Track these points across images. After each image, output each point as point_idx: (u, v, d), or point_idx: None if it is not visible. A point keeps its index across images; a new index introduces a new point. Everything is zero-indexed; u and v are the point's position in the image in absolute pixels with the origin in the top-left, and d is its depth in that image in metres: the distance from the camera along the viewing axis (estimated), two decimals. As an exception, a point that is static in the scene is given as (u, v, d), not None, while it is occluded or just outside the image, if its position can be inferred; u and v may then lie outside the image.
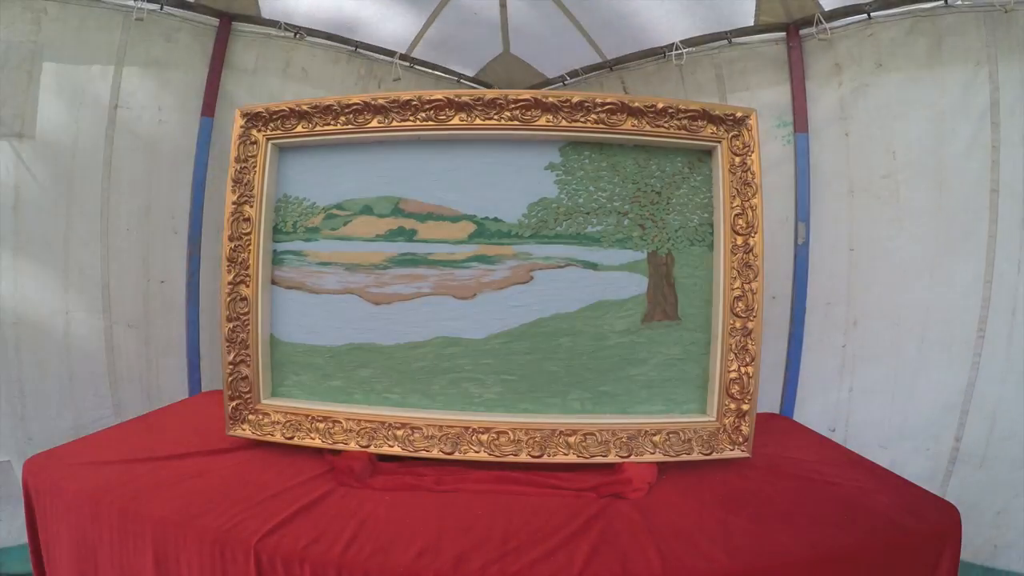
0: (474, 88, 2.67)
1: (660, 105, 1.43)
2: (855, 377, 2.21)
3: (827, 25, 2.08)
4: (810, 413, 2.22)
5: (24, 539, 1.39)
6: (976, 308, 1.99)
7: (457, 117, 1.45)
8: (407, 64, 2.62)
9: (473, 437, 1.45)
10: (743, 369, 1.45)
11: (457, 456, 1.44)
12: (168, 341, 2.34)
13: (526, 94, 1.43)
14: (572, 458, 1.43)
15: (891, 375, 2.14)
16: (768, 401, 2.21)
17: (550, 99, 1.42)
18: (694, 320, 1.51)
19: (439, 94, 1.44)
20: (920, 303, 2.08)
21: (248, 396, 1.54)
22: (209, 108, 2.24)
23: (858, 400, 2.21)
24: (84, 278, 2.17)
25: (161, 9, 2.11)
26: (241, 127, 1.53)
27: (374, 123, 1.48)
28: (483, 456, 1.44)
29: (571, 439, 1.44)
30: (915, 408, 2.10)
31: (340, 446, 1.48)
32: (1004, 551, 1.93)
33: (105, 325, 2.21)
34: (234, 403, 1.54)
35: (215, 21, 2.24)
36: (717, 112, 1.44)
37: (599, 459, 1.43)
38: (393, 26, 2.46)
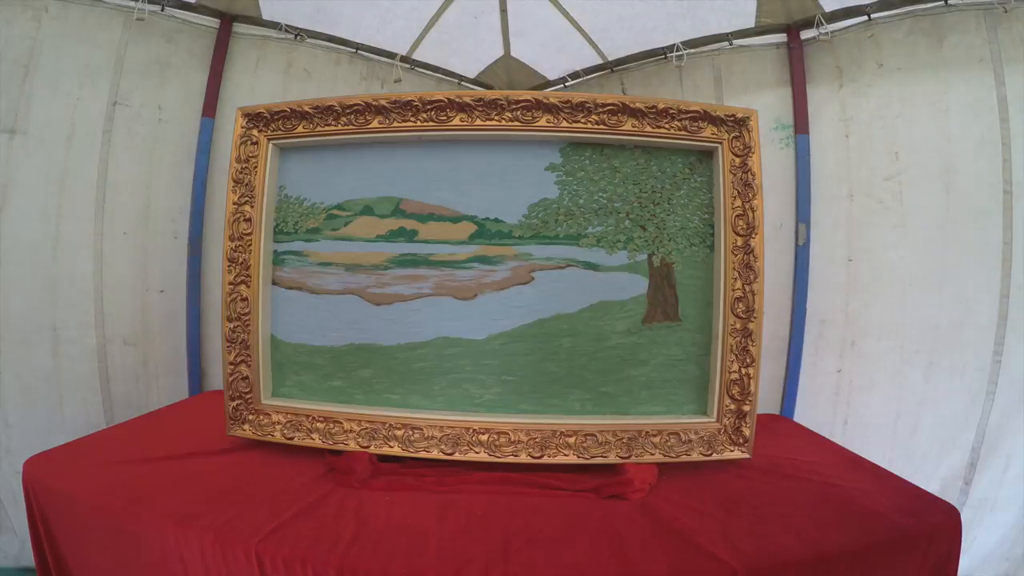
0: (475, 89, 2.67)
1: (661, 106, 1.43)
2: (851, 408, 2.00)
3: (828, 27, 2.08)
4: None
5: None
6: (991, 327, 1.78)
7: (458, 118, 1.45)
8: (408, 66, 2.62)
9: (473, 438, 1.45)
10: (744, 370, 1.45)
11: (457, 457, 1.44)
12: (169, 359, 2.17)
13: (527, 95, 1.43)
14: (572, 459, 1.43)
15: (893, 406, 1.91)
16: (769, 406, 2.14)
17: (551, 100, 1.43)
18: (695, 321, 1.51)
19: (440, 95, 1.44)
20: (927, 322, 1.86)
21: (248, 396, 1.54)
22: (210, 109, 2.23)
23: (853, 435, 1.97)
24: (75, 289, 1.97)
25: (162, 10, 2.11)
26: (242, 127, 1.53)
27: (375, 123, 1.48)
28: (483, 457, 1.44)
29: (571, 440, 1.44)
30: (919, 445, 1.87)
31: (340, 447, 1.48)
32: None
33: (99, 343, 2.01)
34: (234, 403, 1.54)
35: (216, 22, 2.24)
36: (718, 113, 1.45)
37: (599, 460, 1.43)
38: (394, 28, 2.46)
